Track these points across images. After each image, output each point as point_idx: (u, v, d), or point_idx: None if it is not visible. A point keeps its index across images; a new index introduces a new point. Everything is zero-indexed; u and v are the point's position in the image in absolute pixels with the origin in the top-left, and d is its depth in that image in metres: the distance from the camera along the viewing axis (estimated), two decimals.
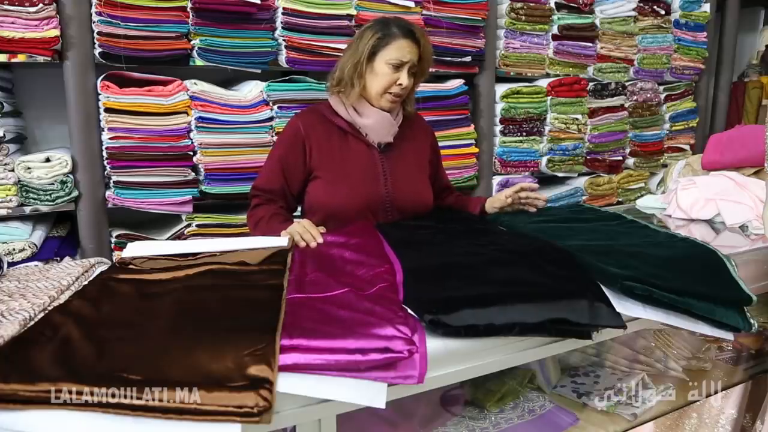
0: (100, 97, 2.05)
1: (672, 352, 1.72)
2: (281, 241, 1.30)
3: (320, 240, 1.39)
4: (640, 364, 1.66)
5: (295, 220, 1.56)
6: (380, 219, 1.64)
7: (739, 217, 1.72)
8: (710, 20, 3.47)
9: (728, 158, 2.09)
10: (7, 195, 1.98)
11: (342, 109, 1.66)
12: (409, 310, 0.95)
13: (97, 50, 2.03)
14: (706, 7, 3.42)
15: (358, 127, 1.67)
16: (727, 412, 1.70)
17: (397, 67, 1.59)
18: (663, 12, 3.27)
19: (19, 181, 2.00)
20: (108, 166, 2.09)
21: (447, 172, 2.69)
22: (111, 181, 2.11)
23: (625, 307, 1.07)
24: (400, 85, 1.60)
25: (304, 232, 1.41)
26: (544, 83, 2.90)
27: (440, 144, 2.64)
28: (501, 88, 2.83)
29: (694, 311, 1.08)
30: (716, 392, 1.59)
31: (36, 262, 1.90)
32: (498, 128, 2.87)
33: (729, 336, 1.11)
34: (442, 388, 1.37)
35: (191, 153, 2.20)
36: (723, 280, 1.17)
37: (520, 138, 2.90)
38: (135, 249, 1.27)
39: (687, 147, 3.53)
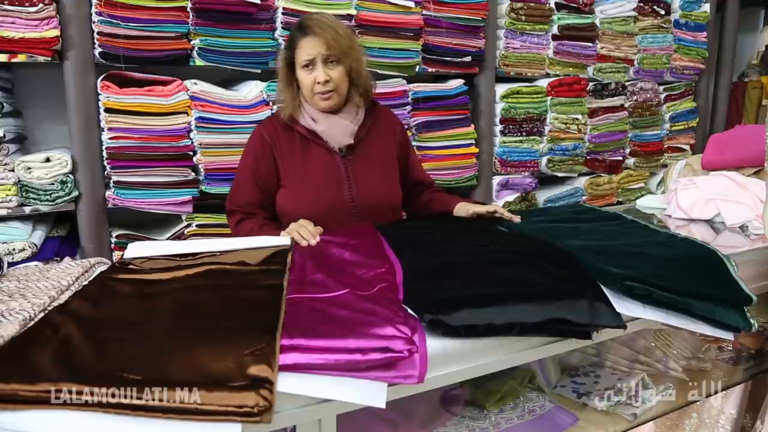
0: (100, 97, 2.04)
1: (672, 352, 1.72)
2: (282, 240, 1.30)
3: (318, 238, 1.39)
4: (640, 364, 1.66)
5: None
6: (347, 222, 1.62)
7: (739, 217, 1.72)
8: (710, 20, 3.47)
9: (728, 158, 2.09)
10: (7, 195, 1.98)
11: (298, 117, 1.67)
12: (409, 310, 0.95)
13: (97, 50, 2.02)
14: (706, 7, 3.42)
15: (317, 133, 1.66)
16: (727, 412, 1.70)
17: (309, 66, 1.60)
18: (663, 12, 3.27)
19: (19, 181, 2.00)
20: (108, 166, 2.09)
21: (447, 172, 2.73)
22: (111, 181, 2.11)
23: (625, 307, 1.07)
24: (319, 81, 1.59)
25: (301, 228, 1.41)
26: (544, 83, 2.90)
27: (440, 144, 2.69)
28: (501, 88, 2.82)
29: (694, 311, 1.08)
30: (716, 392, 1.59)
31: (36, 262, 1.90)
32: (498, 128, 2.87)
33: (729, 336, 1.11)
34: (442, 388, 1.37)
35: (191, 153, 2.19)
36: (723, 280, 1.17)
37: (520, 138, 2.90)
38: (136, 249, 1.27)
39: (687, 147, 3.52)
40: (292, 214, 1.60)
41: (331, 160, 1.66)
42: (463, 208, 1.70)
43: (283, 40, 2.27)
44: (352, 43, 1.65)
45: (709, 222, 1.81)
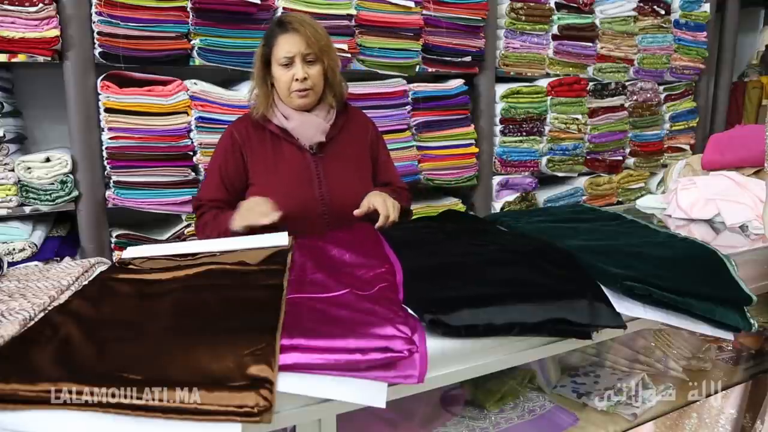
0: (100, 97, 2.05)
1: (672, 352, 1.72)
2: (281, 240, 1.29)
3: (274, 216, 1.40)
4: (640, 364, 1.66)
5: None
6: (317, 223, 1.61)
7: (739, 217, 1.72)
8: (710, 20, 3.47)
9: (728, 158, 2.08)
10: (7, 195, 1.98)
11: (270, 114, 1.66)
12: (409, 310, 0.95)
13: (97, 50, 2.03)
14: (706, 7, 3.42)
15: (289, 131, 1.66)
16: (727, 412, 1.70)
17: (287, 64, 1.59)
18: (663, 12, 3.27)
19: (19, 181, 2.00)
20: (108, 166, 2.09)
21: (447, 172, 2.73)
22: (111, 181, 2.11)
23: (625, 307, 1.06)
24: (297, 79, 1.58)
25: (250, 209, 1.44)
26: (544, 83, 2.90)
27: (440, 144, 2.69)
28: (501, 88, 2.83)
29: (694, 311, 1.08)
30: (716, 392, 1.59)
31: (36, 262, 1.90)
32: (498, 128, 2.87)
33: (729, 336, 1.11)
34: (442, 388, 1.37)
35: (191, 153, 2.20)
36: (723, 280, 1.17)
37: (520, 138, 2.90)
38: (134, 252, 1.27)
39: (687, 147, 3.53)
40: None
41: (302, 158, 1.66)
42: (370, 196, 1.59)
43: None
44: (329, 42, 1.65)
45: (709, 222, 1.81)
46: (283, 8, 2.26)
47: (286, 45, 1.58)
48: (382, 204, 1.54)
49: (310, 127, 1.65)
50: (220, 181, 1.66)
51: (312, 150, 1.67)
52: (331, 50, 1.65)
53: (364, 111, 1.93)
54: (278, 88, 1.65)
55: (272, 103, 1.68)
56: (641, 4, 3.18)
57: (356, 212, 1.55)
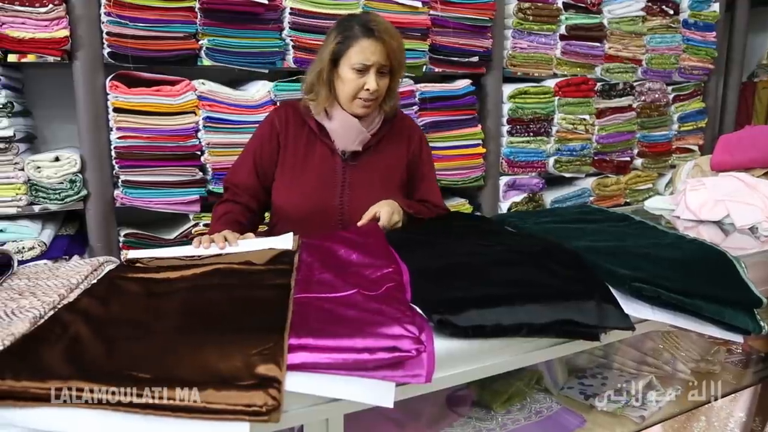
0: (108, 96, 2.06)
1: (680, 355, 1.71)
2: (286, 243, 1.28)
3: (221, 246, 1.26)
4: (648, 366, 1.65)
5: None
6: (329, 229, 1.52)
7: (748, 219, 1.71)
8: (720, 20, 3.45)
9: (738, 159, 2.07)
10: (16, 194, 2.00)
11: (315, 109, 1.58)
12: (417, 309, 0.95)
13: (106, 50, 2.04)
14: (716, 7, 3.40)
15: (327, 131, 1.59)
16: (736, 416, 1.69)
17: (362, 71, 1.49)
18: (672, 12, 3.26)
19: (29, 180, 2.01)
20: (116, 166, 2.10)
21: (454, 172, 2.72)
22: (119, 181, 2.12)
23: (633, 308, 1.06)
24: (368, 90, 1.50)
25: (207, 239, 1.30)
26: (551, 83, 2.89)
27: (447, 144, 2.68)
28: (508, 89, 2.82)
29: (704, 313, 1.08)
30: (725, 395, 1.58)
31: (45, 261, 1.92)
32: (505, 128, 2.86)
33: (738, 338, 1.10)
34: (449, 389, 1.37)
35: (199, 153, 2.20)
36: (732, 282, 1.16)
37: (528, 138, 2.89)
38: (140, 255, 1.26)
39: (695, 148, 3.51)
40: (280, 206, 1.59)
41: (332, 162, 1.59)
42: (377, 204, 1.50)
43: (291, 40, 2.28)
44: (405, 57, 1.58)
45: (718, 223, 1.80)
46: (291, 8, 2.26)
47: (367, 52, 1.48)
48: (387, 214, 1.47)
49: (350, 133, 1.57)
50: (252, 167, 1.61)
51: (344, 156, 1.60)
52: (403, 67, 1.59)
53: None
54: (341, 89, 1.54)
55: (331, 103, 1.57)
56: (650, 4, 3.16)
57: (360, 223, 1.47)
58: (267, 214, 1.72)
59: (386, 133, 1.64)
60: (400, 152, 1.67)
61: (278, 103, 2.26)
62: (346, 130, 1.57)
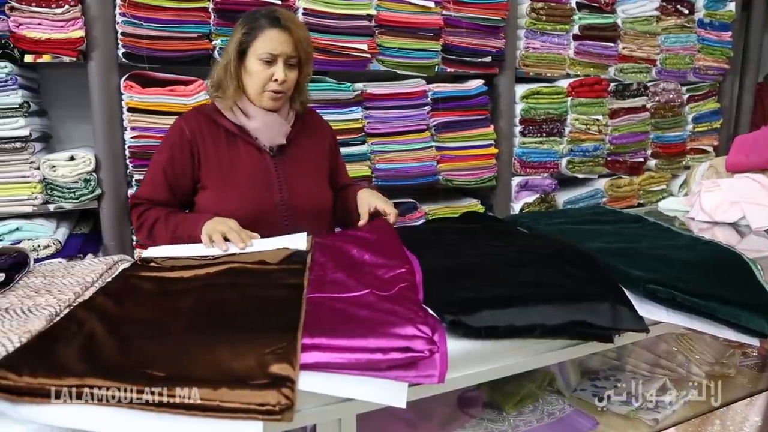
0: (123, 96, 2.08)
1: (695, 357, 1.70)
2: (299, 242, 1.29)
3: (241, 246, 1.26)
4: (661, 369, 1.64)
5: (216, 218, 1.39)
6: (277, 228, 1.47)
7: (764, 220, 1.69)
8: (735, 19, 3.41)
9: (753, 160, 2.05)
10: (32, 192, 2.02)
11: (228, 110, 1.54)
12: (430, 310, 0.95)
13: (121, 50, 2.06)
14: (732, 6, 3.36)
15: (247, 130, 1.55)
16: (752, 420, 1.67)
17: (269, 61, 1.47)
18: (686, 11, 3.22)
19: (44, 179, 2.03)
20: (130, 165, 2.12)
21: (466, 172, 2.72)
22: (133, 180, 2.14)
23: (647, 310, 1.05)
24: (277, 80, 1.47)
25: (230, 231, 1.29)
26: (564, 84, 2.87)
27: (459, 144, 2.68)
28: (521, 89, 2.81)
29: (719, 316, 1.06)
30: (740, 399, 1.57)
31: (60, 259, 1.94)
32: (518, 129, 2.85)
33: (754, 342, 1.09)
34: (460, 390, 1.36)
35: None
36: (748, 285, 1.15)
37: (540, 139, 2.88)
38: (154, 252, 1.28)
39: (710, 149, 3.47)
40: (217, 214, 1.44)
41: (261, 160, 1.55)
42: (366, 198, 1.53)
43: None
44: (312, 51, 1.59)
45: (734, 225, 1.78)
46: (304, 8, 2.27)
47: (274, 42, 1.46)
48: (384, 203, 1.47)
49: (272, 128, 1.54)
50: (163, 180, 1.53)
51: (272, 152, 1.57)
52: (312, 59, 1.59)
53: (317, 115, 1.79)
54: (248, 83, 1.51)
55: (239, 98, 1.54)
56: (664, 4, 3.13)
57: (361, 223, 1.46)
58: None
59: (301, 128, 1.63)
60: (320, 144, 1.68)
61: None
62: (268, 125, 1.54)
